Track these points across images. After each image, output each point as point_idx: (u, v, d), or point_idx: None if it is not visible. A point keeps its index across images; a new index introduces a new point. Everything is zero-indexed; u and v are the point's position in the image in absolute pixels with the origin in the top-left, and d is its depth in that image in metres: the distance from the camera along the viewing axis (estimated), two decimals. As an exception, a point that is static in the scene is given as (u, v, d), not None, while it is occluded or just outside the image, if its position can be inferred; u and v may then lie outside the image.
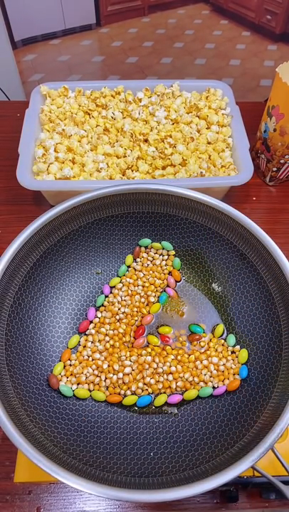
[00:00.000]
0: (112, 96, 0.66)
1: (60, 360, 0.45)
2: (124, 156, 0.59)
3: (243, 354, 0.44)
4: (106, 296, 0.49)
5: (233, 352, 0.46)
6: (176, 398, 0.43)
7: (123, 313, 0.48)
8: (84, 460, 0.37)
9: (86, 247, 0.50)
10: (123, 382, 0.43)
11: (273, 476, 0.35)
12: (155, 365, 0.44)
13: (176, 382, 0.44)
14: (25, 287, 0.44)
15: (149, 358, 0.44)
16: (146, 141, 0.61)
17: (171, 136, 0.61)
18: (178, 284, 0.51)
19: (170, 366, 0.44)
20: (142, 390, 0.43)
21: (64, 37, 0.92)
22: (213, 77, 0.74)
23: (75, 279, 0.50)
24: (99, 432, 0.41)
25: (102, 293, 0.50)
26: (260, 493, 0.42)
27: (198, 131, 0.63)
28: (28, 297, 0.45)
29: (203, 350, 0.46)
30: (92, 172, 0.58)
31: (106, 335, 0.47)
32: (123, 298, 0.49)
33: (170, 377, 0.44)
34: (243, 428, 0.38)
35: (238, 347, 0.45)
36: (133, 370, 0.44)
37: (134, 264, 0.51)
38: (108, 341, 0.46)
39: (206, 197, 0.46)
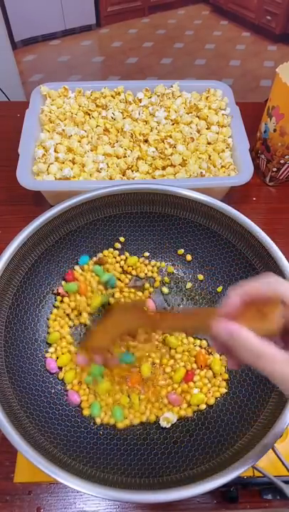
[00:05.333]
0: (112, 96, 0.66)
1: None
2: (124, 157, 0.59)
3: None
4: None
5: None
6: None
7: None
8: (84, 461, 0.36)
9: (85, 247, 0.50)
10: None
11: (274, 476, 0.35)
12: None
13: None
14: (23, 288, 0.44)
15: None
16: (146, 141, 0.61)
17: (171, 137, 0.61)
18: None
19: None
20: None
21: (64, 37, 0.92)
22: (213, 78, 0.74)
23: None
24: (99, 432, 0.41)
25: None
26: (260, 493, 0.42)
27: (198, 131, 0.63)
28: (26, 298, 0.45)
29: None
30: (92, 172, 0.58)
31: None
32: None
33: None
34: (243, 428, 0.38)
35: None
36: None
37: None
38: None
39: (206, 197, 0.46)
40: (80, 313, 0.47)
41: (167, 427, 0.41)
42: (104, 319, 0.38)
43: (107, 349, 0.38)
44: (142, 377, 0.44)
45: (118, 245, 0.51)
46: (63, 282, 0.48)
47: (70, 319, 0.47)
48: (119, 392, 0.43)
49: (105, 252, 0.51)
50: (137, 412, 0.42)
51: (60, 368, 0.44)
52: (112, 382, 0.43)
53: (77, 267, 0.50)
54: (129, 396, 0.43)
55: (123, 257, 0.51)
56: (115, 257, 0.51)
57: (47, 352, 0.45)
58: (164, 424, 0.41)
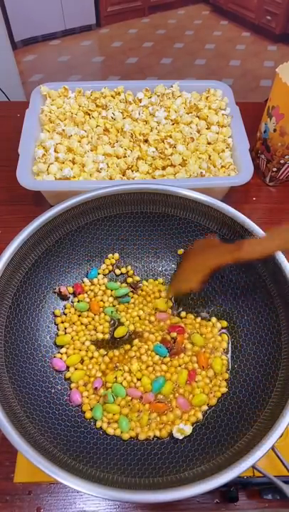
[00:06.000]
0: (112, 96, 0.66)
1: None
2: (124, 157, 0.59)
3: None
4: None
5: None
6: None
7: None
8: (84, 461, 0.36)
9: (85, 247, 0.50)
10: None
11: (274, 476, 0.35)
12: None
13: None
14: (23, 288, 0.44)
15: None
16: (146, 141, 0.61)
17: (171, 137, 0.61)
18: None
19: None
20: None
21: (64, 37, 0.92)
22: (213, 78, 0.74)
23: (73, 279, 0.50)
24: (99, 432, 0.41)
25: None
26: (260, 493, 0.42)
27: (198, 131, 0.63)
28: (26, 298, 0.45)
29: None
30: (92, 172, 0.58)
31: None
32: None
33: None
34: (243, 428, 0.38)
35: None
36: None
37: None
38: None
39: (206, 197, 0.46)
40: (95, 328, 0.48)
41: (180, 438, 0.40)
42: (185, 262, 0.41)
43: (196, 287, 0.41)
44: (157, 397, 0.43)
45: (115, 257, 0.52)
46: (76, 302, 0.48)
47: (81, 323, 0.48)
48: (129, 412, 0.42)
49: (107, 261, 0.51)
50: (145, 427, 0.41)
51: (67, 367, 0.44)
52: (121, 407, 0.42)
53: (86, 280, 0.50)
54: (139, 410, 0.42)
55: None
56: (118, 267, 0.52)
57: (57, 353, 0.45)
58: (177, 435, 0.39)
